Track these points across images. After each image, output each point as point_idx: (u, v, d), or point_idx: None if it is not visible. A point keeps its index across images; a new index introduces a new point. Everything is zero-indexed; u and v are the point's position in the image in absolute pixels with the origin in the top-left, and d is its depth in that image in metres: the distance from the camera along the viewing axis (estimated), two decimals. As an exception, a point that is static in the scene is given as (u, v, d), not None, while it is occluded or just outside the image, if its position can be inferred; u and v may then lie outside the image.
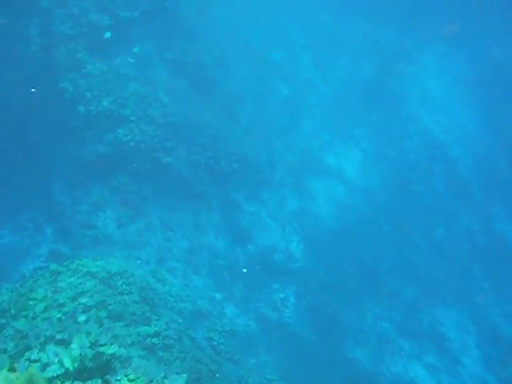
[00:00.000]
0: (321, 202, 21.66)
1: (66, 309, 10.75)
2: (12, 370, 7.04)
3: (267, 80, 22.98)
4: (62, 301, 11.05)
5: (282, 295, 18.48)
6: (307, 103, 23.84)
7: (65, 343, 8.71)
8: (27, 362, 7.77)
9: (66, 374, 7.58)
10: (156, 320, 12.50)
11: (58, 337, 9.02)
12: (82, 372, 7.72)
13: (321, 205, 21.57)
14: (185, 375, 8.53)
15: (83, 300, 11.24)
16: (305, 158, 22.09)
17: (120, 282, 13.02)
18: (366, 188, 23.07)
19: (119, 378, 7.75)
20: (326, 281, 19.47)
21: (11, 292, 11.49)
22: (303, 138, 22.67)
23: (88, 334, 9.00)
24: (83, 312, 10.69)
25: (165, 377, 8.51)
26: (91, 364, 7.90)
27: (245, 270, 18.00)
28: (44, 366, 7.65)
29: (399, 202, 23.49)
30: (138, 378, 7.83)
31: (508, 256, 24.95)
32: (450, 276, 22.65)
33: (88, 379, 7.41)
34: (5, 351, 8.74)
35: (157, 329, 12.12)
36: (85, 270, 12.82)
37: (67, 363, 7.72)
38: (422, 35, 28.65)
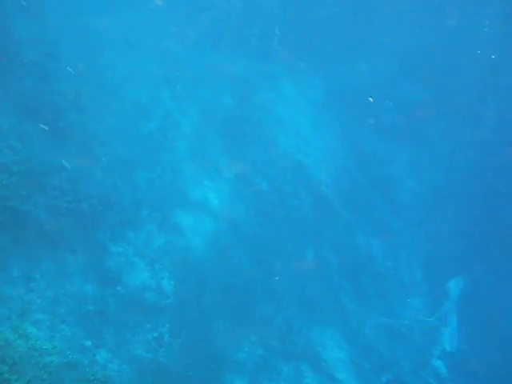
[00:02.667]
0: (188, 235, 21.65)
1: None
2: None
3: (126, 118, 22.81)
4: None
5: (155, 334, 18.26)
6: (168, 138, 23.88)
7: None
8: None
9: None
10: (15, 380, 11.96)
11: None
12: None
13: (189, 238, 21.56)
14: None
15: None
16: (169, 193, 22.07)
17: (-26, 345, 12.39)
18: (233, 218, 23.32)
19: None
20: (200, 314, 19.47)
21: None
22: (166, 173, 22.67)
23: None
24: None
25: None
26: None
27: None
28: None
29: (268, 227, 23.98)
30: None
31: (374, 269, 26.25)
32: (322, 295, 23.40)
33: None
34: None
35: (16, 390, 11.61)
36: None
37: None
38: (277, 64, 29.80)
